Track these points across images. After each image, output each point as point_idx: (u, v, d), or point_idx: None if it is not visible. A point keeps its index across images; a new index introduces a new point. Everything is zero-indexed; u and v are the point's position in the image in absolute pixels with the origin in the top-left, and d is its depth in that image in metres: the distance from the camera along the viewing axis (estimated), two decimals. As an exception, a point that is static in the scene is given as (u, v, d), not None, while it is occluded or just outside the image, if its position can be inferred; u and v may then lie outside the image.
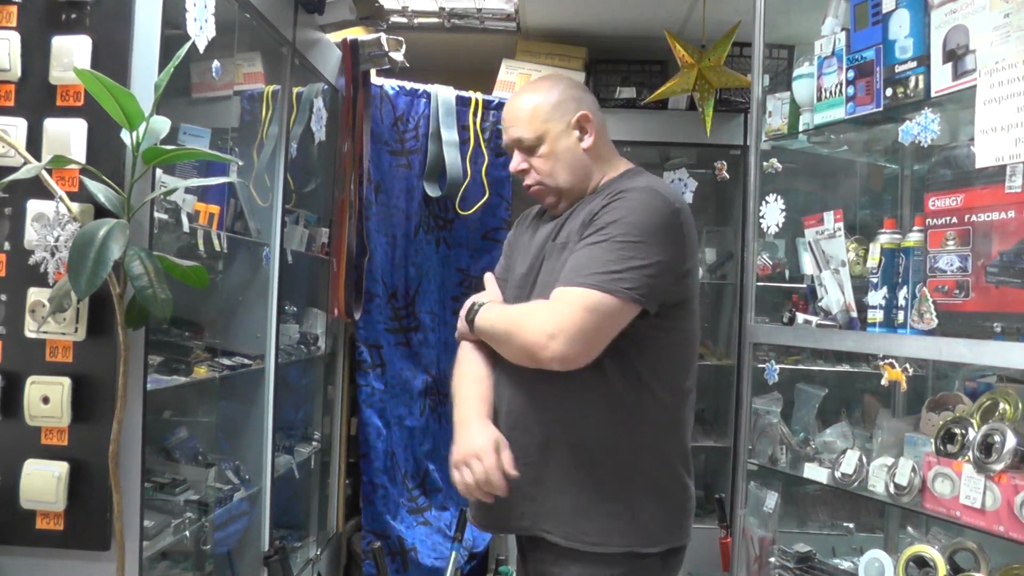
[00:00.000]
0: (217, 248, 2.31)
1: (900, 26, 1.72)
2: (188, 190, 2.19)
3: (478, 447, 1.50)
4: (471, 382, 1.63)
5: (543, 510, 1.56)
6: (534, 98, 1.62)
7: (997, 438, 1.56)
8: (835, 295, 1.93)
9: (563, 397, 1.53)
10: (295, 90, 2.90)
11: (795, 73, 2.02)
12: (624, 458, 1.54)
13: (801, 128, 2.03)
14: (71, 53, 1.85)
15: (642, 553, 1.53)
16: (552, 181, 1.61)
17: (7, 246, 1.89)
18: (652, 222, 1.48)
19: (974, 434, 1.63)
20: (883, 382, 1.76)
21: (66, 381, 1.85)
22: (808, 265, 2.07)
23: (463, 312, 1.66)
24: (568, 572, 1.54)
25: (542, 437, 1.55)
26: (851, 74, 1.83)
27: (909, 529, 2.04)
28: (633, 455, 1.54)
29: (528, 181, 1.64)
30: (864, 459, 1.85)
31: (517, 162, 1.64)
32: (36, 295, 1.87)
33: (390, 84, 3.57)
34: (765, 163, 2.09)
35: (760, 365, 2.08)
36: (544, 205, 1.70)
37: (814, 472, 1.94)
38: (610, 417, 1.53)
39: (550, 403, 1.55)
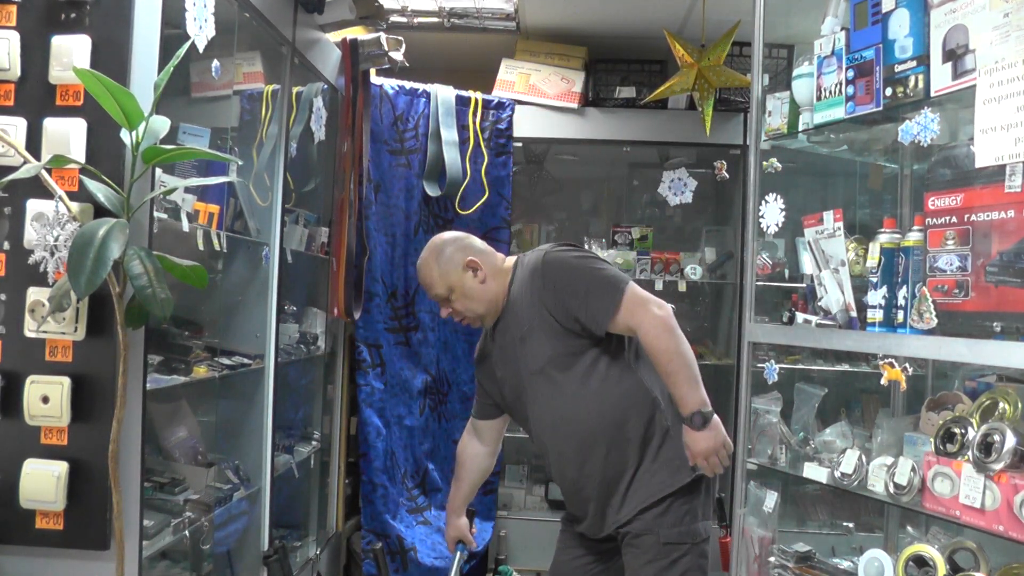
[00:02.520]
0: (217, 248, 2.31)
1: (900, 25, 1.72)
2: (188, 189, 2.19)
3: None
4: None
5: None
6: (433, 265, 2.12)
7: (997, 437, 1.56)
8: (835, 295, 1.93)
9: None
10: (295, 90, 2.90)
11: (795, 73, 2.02)
12: None
13: (801, 128, 2.03)
14: (71, 53, 1.85)
15: None
16: (473, 312, 2.11)
17: (7, 246, 1.89)
18: (575, 254, 2.04)
19: (974, 434, 1.63)
20: (883, 382, 1.76)
21: (66, 381, 1.85)
22: (808, 265, 2.07)
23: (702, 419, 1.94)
24: None
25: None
26: (851, 74, 1.83)
27: (909, 528, 2.04)
28: None
29: (457, 318, 2.15)
30: (864, 459, 1.85)
31: (445, 310, 2.15)
32: (36, 295, 1.87)
33: (390, 84, 3.57)
34: (765, 163, 2.09)
35: (760, 365, 2.08)
36: (478, 326, 2.18)
37: (814, 472, 1.94)
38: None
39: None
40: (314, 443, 3.33)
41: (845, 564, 2.07)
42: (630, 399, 1.99)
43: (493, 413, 2.26)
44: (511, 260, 2.17)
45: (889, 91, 1.74)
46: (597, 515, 2.04)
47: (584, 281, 1.98)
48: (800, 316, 2.06)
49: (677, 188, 3.88)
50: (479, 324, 2.16)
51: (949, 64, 1.61)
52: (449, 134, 3.69)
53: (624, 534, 2.01)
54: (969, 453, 1.61)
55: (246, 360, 2.64)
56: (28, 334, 1.87)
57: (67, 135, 1.85)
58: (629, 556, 2.00)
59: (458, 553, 2.30)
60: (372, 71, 3.36)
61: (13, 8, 1.90)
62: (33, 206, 1.85)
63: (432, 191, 3.66)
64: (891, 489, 1.74)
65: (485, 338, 2.23)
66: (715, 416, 1.92)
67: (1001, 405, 1.71)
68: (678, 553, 1.95)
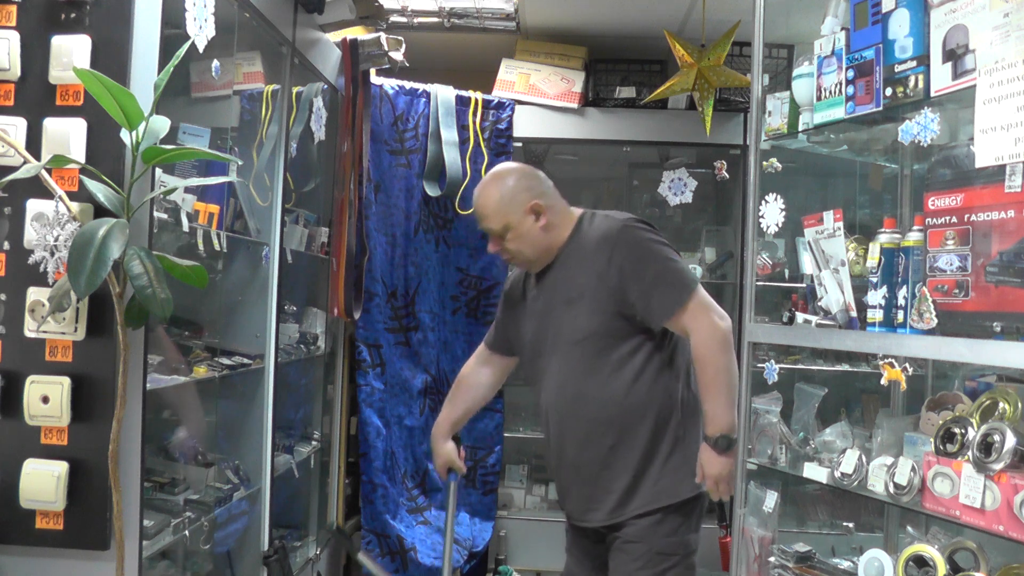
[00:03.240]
0: (217, 248, 2.31)
1: (900, 25, 1.72)
2: (188, 189, 2.19)
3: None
4: None
5: None
6: (493, 194, 2.02)
7: (997, 437, 1.56)
8: (835, 294, 1.92)
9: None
10: (295, 90, 2.90)
11: (795, 73, 2.01)
12: None
13: (801, 128, 2.03)
14: (71, 53, 1.85)
15: None
16: (522, 256, 2.05)
17: (7, 246, 1.89)
18: (652, 236, 1.96)
19: (974, 433, 1.63)
20: (883, 382, 1.76)
21: (66, 381, 1.85)
22: (808, 264, 2.07)
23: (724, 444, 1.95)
24: None
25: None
26: (851, 73, 1.83)
27: (909, 528, 2.04)
28: None
29: (505, 257, 2.09)
30: (864, 458, 1.84)
31: (494, 246, 2.07)
32: (36, 295, 1.87)
33: (390, 84, 3.57)
34: (765, 163, 2.08)
35: (760, 365, 2.08)
36: (521, 268, 2.14)
37: (814, 472, 1.94)
38: None
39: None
40: (314, 443, 3.33)
41: (845, 564, 2.06)
42: (656, 399, 1.98)
43: (507, 351, 2.21)
44: (577, 212, 2.08)
45: (889, 91, 1.74)
46: (582, 500, 2.02)
47: (654, 270, 1.91)
48: (800, 316, 2.06)
49: (677, 188, 3.88)
50: (524, 266, 2.10)
51: (949, 64, 1.61)
52: (449, 134, 3.69)
53: (615, 537, 2.01)
54: (969, 453, 1.61)
55: (246, 360, 2.64)
56: (28, 334, 1.87)
57: (67, 135, 1.85)
58: (618, 560, 2.00)
59: (451, 483, 2.26)
60: (372, 71, 3.35)
61: (13, 8, 1.90)
62: (33, 206, 1.85)
63: (432, 191, 3.66)
64: (891, 489, 1.74)
65: (523, 281, 2.14)
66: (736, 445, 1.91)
67: (1001, 405, 1.71)
68: (668, 564, 1.96)
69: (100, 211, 1.82)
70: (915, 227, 1.76)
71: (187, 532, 2.22)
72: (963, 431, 1.67)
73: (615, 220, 2.00)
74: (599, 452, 1.97)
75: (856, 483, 1.84)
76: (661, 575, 1.96)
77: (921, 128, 1.66)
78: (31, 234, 1.83)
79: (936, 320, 1.64)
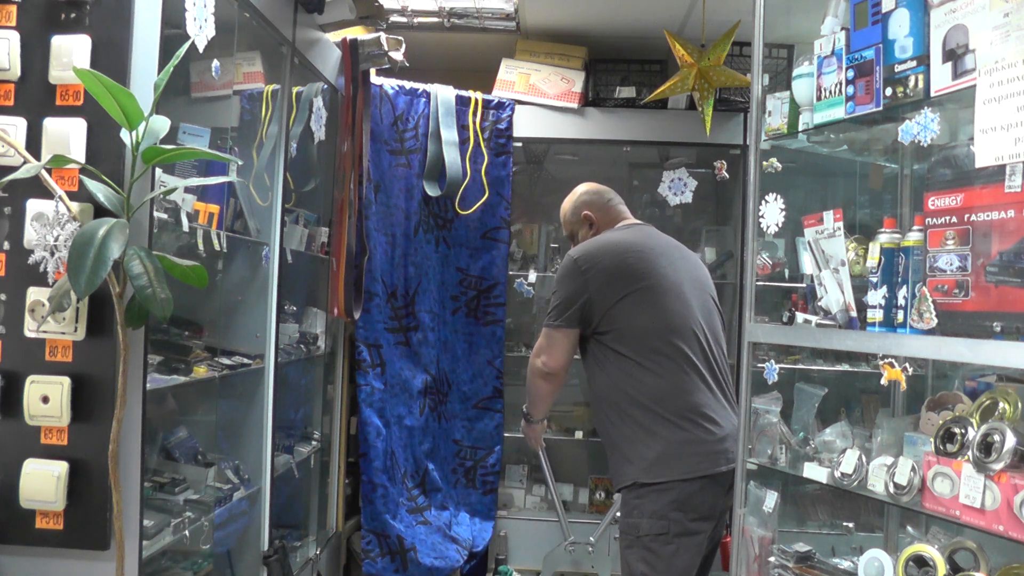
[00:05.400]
0: (217, 248, 2.31)
1: (900, 25, 1.72)
2: (188, 189, 2.19)
3: None
4: None
5: None
6: (566, 206, 2.60)
7: (997, 437, 1.56)
8: (835, 294, 1.92)
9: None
10: (295, 89, 2.90)
11: (795, 72, 2.01)
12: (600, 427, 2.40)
13: (801, 127, 2.03)
14: (71, 52, 1.85)
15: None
16: None
17: (7, 246, 1.89)
18: (560, 275, 2.38)
19: (974, 433, 1.63)
20: (882, 381, 1.76)
21: (66, 381, 1.85)
22: (808, 264, 2.07)
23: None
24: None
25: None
26: (851, 73, 1.83)
27: (909, 528, 2.04)
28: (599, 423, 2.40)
29: None
30: (863, 458, 1.84)
31: (573, 246, 2.54)
32: (36, 295, 1.87)
33: (390, 83, 3.57)
34: (765, 162, 2.09)
35: (760, 365, 2.08)
36: None
37: (814, 472, 1.94)
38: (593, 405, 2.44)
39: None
40: (314, 443, 3.33)
41: (845, 564, 2.06)
42: (604, 394, 2.34)
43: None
44: (628, 220, 2.52)
45: (889, 91, 1.74)
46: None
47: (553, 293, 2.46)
48: (800, 316, 2.06)
49: (677, 188, 3.88)
50: None
51: (949, 64, 1.61)
52: (449, 134, 3.69)
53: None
54: (969, 453, 1.61)
55: (246, 360, 2.64)
56: (28, 334, 1.87)
57: (67, 135, 1.85)
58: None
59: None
60: (372, 71, 3.35)
61: (13, 8, 1.90)
62: (33, 206, 1.85)
63: (432, 191, 3.66)
64: (891, 489, 1.74)
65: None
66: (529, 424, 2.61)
67: (1001, 405, 1.71)
68: (625, 542, 2.26)
69: (100, 211, 1.82)
70: (915, 227, 1.76)
71: (187, 532, 2.22)
72: (963, 431, 1.67)
73: (573, 249, 2.42)
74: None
75: (856, 483, 1.84)
76: (625, 548, 2.26)
77: (921, 128, 1.66)
78: (31, 234, 1.83)
79: (936, 320, 1.64)
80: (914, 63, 1.69)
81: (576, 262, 2.33)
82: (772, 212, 2.04)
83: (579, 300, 2.30)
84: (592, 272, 2.30)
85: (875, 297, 1.79)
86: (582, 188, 2.60)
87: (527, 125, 3.88)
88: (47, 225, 1.74)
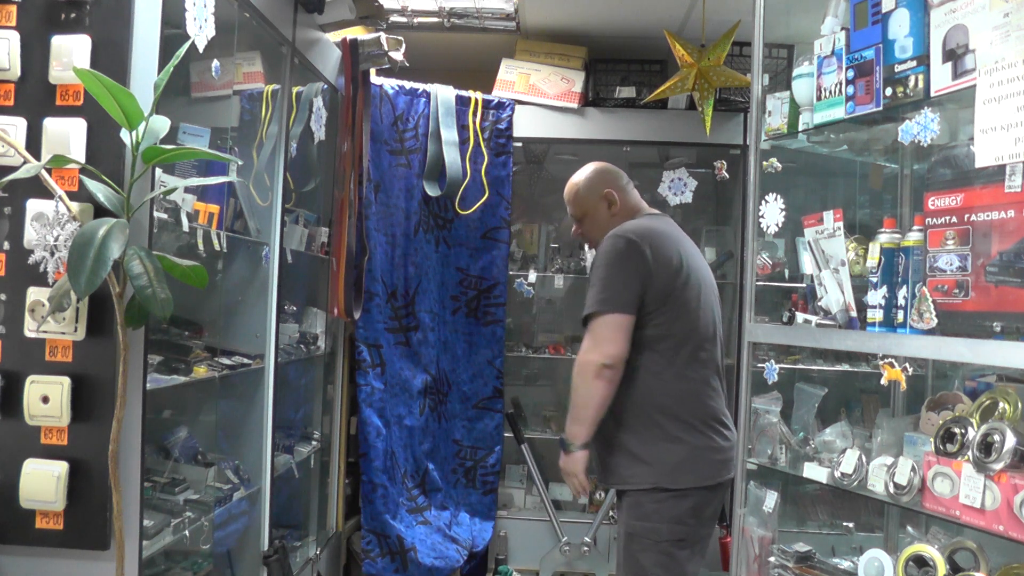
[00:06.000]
0: (217, 247, 2.31)
1: (900, 25, 1.72)
2: (188, 189, 2.19)
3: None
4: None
5: None
6: (576, 187, 2.35)
7: (997, 437, 1.56)
8: (835, 294, 1.92)
9: None
10: (295, 89, 2.90)
11: (795, 72, 2.01)
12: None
13: (801, 127, 2.03)
14: (71, 52, 1.85)
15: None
16: (591, 236, 2.36)
17: (7, 246, 1.89)
18: (611, 256, 2.12)
19: (974, 433, 1.63)
20: (883, 382, 1.76)
21: (66, 381, 1.85)
22: (808, 264, 2.07)
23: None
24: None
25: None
26: (851, 73, 1.83)
27: (909, 528, 2.04)
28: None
29: (582, 240, 2.52)
30: (864, 458, 1.85)
31: (576, 230, 2.41)
32: (36, 295, 1.87)
33: (390, 83, 3.57)
34: (765, 162, 2.09)
35: (759, 365, 2.08)
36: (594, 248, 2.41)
37: (814, 471, 1.94)
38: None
39: None
40: (314, 443, 3.33)
41: (845, 564, 2.06)
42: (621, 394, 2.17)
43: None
44: (645, 210, 2.36)
45: (889, 91, 1.74)
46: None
47: (595, 276, 2.20)
48: (800, 316, 2.06)
49: (677, 188, 3.88)
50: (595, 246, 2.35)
51: (949, 64, 1.61)
52: (449, 134, 3.69)
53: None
54: (969, 453, 1.61)
55: (246, 360, 2.64)
56: (28, 334, 1.87)
57: (67, 135, 1.85)
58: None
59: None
60: (372, 71, 3.35)
61: (13, 8, 1.90)
62: (33, 206, 1.85)
63: (432, 191, 3.66)
64: (891, 489, 1.74)
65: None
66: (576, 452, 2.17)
67: (1001, 405, 1.71)
68: (641, 545, 2.15)
69: (100, 211, 1.82)
70: (915, 227, 1.77)
71: (187, 532, 2.22)
72: (963, 431, 1.67)
73: (618, 229, 2.19)
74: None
75: (856, 483, 1.84)
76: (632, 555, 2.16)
77: (921, 128, 1.66)
78: (31, 234, 1.83)
79: (936, 320, 1.64)
80: (914, 63, 1.69)
81: (634, 242, 2.10)
82: (772, 212, 2.04)
83: (639, 282, 2.08)
84: (654, 255, 2.11)
85: (875, 297, 1.79)
86: (595, 165, 2.38)
87: (527, 125, 3.88)
88: (47, 225, 1.74)
